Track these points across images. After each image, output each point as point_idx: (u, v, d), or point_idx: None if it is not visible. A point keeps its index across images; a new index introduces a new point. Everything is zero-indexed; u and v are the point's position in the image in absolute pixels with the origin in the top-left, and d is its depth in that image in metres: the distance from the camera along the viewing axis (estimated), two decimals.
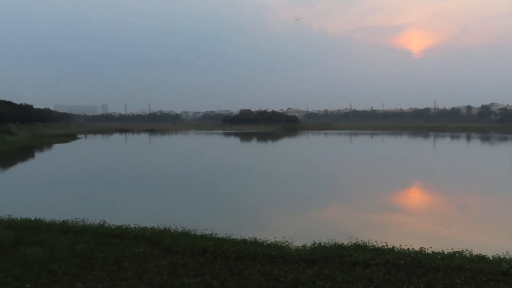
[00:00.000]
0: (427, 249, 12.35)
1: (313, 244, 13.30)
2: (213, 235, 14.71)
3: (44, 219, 16.89)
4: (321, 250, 12.32)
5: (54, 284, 9.45)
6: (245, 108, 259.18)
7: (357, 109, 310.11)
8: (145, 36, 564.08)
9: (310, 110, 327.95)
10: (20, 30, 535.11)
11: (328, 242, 13.48)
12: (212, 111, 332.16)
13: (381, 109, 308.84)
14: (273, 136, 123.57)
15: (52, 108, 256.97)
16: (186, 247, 12.45)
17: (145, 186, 34.05)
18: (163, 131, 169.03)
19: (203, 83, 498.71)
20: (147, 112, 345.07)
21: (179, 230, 15.53)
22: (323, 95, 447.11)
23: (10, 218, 16.93)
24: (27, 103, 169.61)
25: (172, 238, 13.63)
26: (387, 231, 19.47)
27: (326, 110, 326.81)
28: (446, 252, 12.13)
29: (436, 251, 12.22)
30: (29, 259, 11.13)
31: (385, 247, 12.73)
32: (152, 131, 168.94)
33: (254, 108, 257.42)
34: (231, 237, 14.37)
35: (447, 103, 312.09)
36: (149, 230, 15.21)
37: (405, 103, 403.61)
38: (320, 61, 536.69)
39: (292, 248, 12.95)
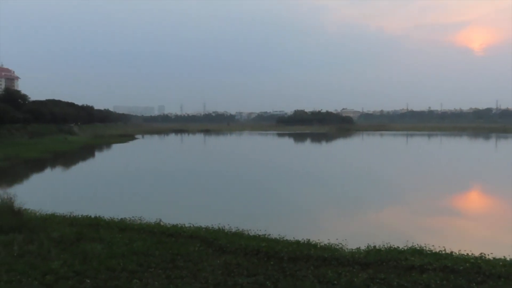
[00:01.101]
0: (488, 255, 11.90)
1: (368, 247, 13.12)
2: (266, 236, 14.76)
3: (103, 216, 17.47)
4: (375, 254, 12.13)
5: (112, 280, 9.77)
6: (299, 108, 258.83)
7: (414, 109, 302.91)
8: (201, 37, 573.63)
9: (365, 110, 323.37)
10: (82, 33, 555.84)
11: (383, 245, 13.25)
12: (266, 112, 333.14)
13: (439, 109, 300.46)
14: (327, 137, 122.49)
15: (111, 109, 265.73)
16: (239, 247, 12.57)
17: (200, 185, 34.58)
18: (217, 132, 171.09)
19: (258, 83, 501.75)
20: (202, 113, 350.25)
21: (233, 230, 15.68)
22: (379, 95, 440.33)
23: (72, 215, 17.63)
24: (88, 104, 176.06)
25: (226, 238, 13.79)
26: (445, 235, 18.89)
27: (381, 111, 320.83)
28: (508, 259, 11.65)
29: (498, 257, 11.75)
30: (89, 255, 11.56)
31: (443, 252, 12.37)
32: (207, 131, 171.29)
33: (308, 108, 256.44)
34: (284, 238, 14.38)
35: (510, 103, 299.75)
36: (204, 229, 15.45)
37: (465, 103, 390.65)
38: (376, 61, 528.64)
39: (346, 250, 12.82)
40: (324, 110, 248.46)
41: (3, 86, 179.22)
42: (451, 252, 12.39)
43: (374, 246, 13.10)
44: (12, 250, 11.83)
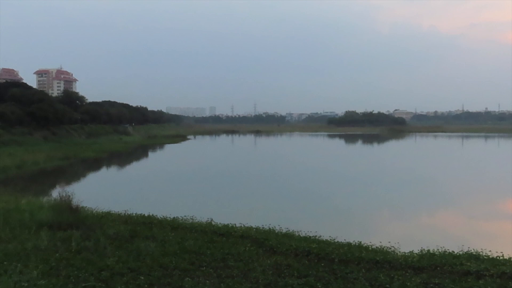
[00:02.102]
0: None
1: (421, 251, 12.80)
2: (317, 237, 14.66)
3: (156, 215, 17.83)
4: (429, 258, 11.82)
5: (165, 278, 9.95)
6: (350, 109, 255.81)
7: (470, 110, 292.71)
8: (252, 38, 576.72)
9: (418, 111, 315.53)
10: (136, 35, 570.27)
11: (437, 249, 12.90)
12: (316, 113, 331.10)
13: (496, 110, 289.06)
14: (379, 139, 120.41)
15: (164, 110, 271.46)
16: (290, 248, 12.54)
17: (250, 186, 34.77)
18: (268, 132, 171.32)
19: (308, 84, 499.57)
20: (253, 114, 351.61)
21: (283, 231, 15.67)
22: (433, 96, 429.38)
23: (126, 214, 18.07)
24: (142, 105, 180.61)
25: (276, 239, 13.79)
26: (503, 240, 18.16)
27: (435, 112, 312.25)
28: None
29: None
30: (143, 253, 11.83)
31: (501, 258, 11.90)
32: (257, 132, 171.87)
33: (360, 109, 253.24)
34: (335, 240, 14.24)
35: None
36: (254, 229, 15.50)
37: None
38: (429, 61, 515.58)
39: (399, 254, 12.56)
40: (375, 111, 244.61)
41: (62, 88, 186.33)
42: (510, 258, 11.89)
43: (428, 250, 12.77)
44: (70, 246, 12.26)
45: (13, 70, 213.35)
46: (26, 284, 6.29)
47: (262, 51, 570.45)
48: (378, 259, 11.52)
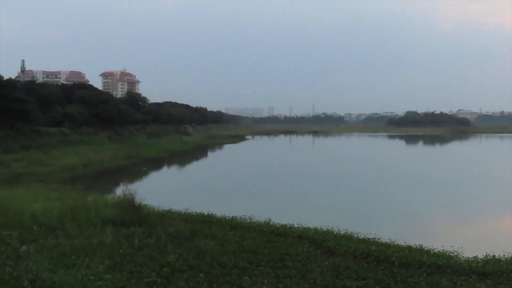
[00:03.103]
0: None
1: (486, 256, 12.34)
2: (376, 240, 14.42)
3: (215, 214, 18.10)
4: (495, 264, 11.39)
5: (224, 276, 10.11)
6: (411, 110, 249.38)
7: None
8: (310, 38, 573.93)
9: (483, 111, 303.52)
10: (196, 37, 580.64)
11: (503, 255, 12.39)
12: (376, 113, 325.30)
13: None
14: (441, 140, 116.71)
15: (223, 110, 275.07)
16: (348, 250, 12.42)
17: (308, 186, 34.61)
18: (326, 133, 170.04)
19: (368, 84, 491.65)
20: (311, 114, 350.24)
21: (342, 232, 15.52)
22: (499, 95, 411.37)
23: (186, 212, 18.46)
24: (201, 106, 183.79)
25: (334, 240, 13.70)
26: None
27: (502, 112, 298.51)
28: None
29: None
30: (202, 251, 12.07)
31: None
32: (315, 132, 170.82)
33: (421, 109, 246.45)
34: (395, 243, 13.95)
35: None
36: (312, 230, 15.45)
37: None
38: (495, 58, 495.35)
39: (462, 258, 12.15)
40: (438, 111, 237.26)
41: (125, 90, 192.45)
42: None
43: (493, 256, 12.29)
44: (133, 243, 12.68)
45: (80, 72, 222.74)
46: (92, 278, 6.58)
47: (321, 51, 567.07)
48: (440, 263, 11.21)
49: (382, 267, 10.93)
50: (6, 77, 64.02)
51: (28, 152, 51.60)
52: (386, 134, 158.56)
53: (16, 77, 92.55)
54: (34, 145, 57.36)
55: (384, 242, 14.13)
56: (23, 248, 9.43)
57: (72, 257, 10.71)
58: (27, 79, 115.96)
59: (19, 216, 16.02)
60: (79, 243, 12.56)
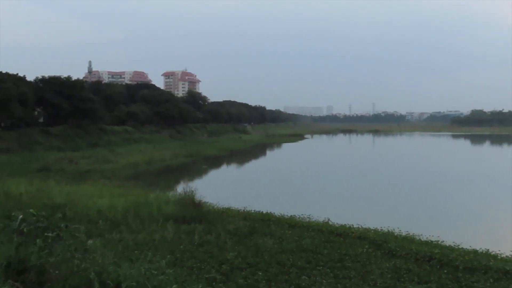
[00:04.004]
0: None
1: None
2: (439, 242, 13.98)
3: (274, 213, 18.13)
4: None
5: (282, 275, 10.11)
6: (477, 108, 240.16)
7: None
8: (369, 36, 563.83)
9: None
10: (254, 36, 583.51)
11: None
12: (439, 112, 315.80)
13: None
14: (510, 139, 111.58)
15: (282, 109, 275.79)
16: (410, 252, 12.11)
17: (367, 186, 34.04)
18: (386, 132, 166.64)
19: (429, 82, 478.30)
20: (371, 113, 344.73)
21: (403, 233, 15.15)
22: None
23: (245, 210, 18.61)
24: (260, 104, 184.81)
25: (395, 242, 13.40)
26: None
27: None
28: None
29: None
30: (261, 249, 12.13)
31: None
32: (375, 131, 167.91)
33: (487, 108, 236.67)
34: (460, 246, 13.46)
35: None
36: (372, 231, 15.18)
37: None
38: None
39: None
40: (506, 110, 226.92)
41: (186, 89, 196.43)
42: None
43: None
44: (193, 239, 12.92)
45: (143, 72, 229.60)
46: (155, 272, 6.76)
47: (381, 48, 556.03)
48: (508, 268, 10.73)
49: (445, 271, 10.58)
50: (74, 77, 67.00)
51: (94, 150, 53.87)
52: (450, 133, 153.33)
53: (83, 77, 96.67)
54: (100, 143, 59.77)
55: (447, 245, 13.67)
56: (90, 241, 9.82)
57: (135, 251, 11.07)
58: (93, 79, 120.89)
59: (86, 211, 16.73)
60: (142, 238, 12.95)
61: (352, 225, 15.82)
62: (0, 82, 49.63)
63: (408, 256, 11.85)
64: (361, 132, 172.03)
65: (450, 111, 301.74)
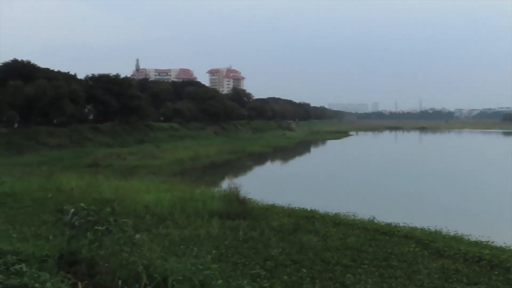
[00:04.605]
0: None
1: None
2: (489, 243, 13.59)
3: (318, 210, 18.06)
4: None
5: (327, 272, 10.07)
6: None
7: None
8: (416, 31, 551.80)
9: None
10: (297, 33, 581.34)
11: None
12: (489, 108, 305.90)
13: None
14: None
15: (326, 106, 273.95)
16: (458, 252, 11.83)
17: (414, 184, 33.37)
18: (434, 129, 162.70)
19: (480, 78, 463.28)
20: (418, 110, 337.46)
21: (451, 233, 14.82)
22: None
23: (289, 207, 18.61)
24: (304, 101, 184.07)
25: (443, 241, 13.12)
26: None
27: None
28: None
29: None
30: (305, 246, 12.12)
31: None
32: (422, 129, 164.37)
33: None
34: (511, 248, 13.04)
35: None
36: (419, 230, 14.89)
37: None
38: None
39: None
40: None
41: (231, 86, 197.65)
42: None
43: None
44: (238, 235, 13.05)
45: (188, 70, 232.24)
46: (201, 267, 6.87)
47: (429, 43, 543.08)
48: None
49: (496, 273, 10.27)
50: (122, 75, 68.68)
51: (141, 146, 55.08)
52: (501, 130, 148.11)
53: (131, 75, 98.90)
54: (147, 140, 61.04)
55: (498, 246, 13.27)
56: (138, 236, 10.05)
57: (181, 246, 11.28)
58: (141, 77, 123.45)
59: (134, 206, 17.15)
60: (187, 233, 13.16)
61: (398, 223, 15.58)
62: (53, 80, 51.49)
63: (457, 257, 11.58)
64: (408, 129, 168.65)
65: (502, 108, 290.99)
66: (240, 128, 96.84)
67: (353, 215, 17.30)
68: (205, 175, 37.66)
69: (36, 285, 5.44)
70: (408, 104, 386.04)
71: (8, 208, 17.51)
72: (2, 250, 6.60)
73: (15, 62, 55.61)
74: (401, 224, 15.48)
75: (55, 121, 56.30)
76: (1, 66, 56.23)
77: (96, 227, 7.47)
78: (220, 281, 6.56)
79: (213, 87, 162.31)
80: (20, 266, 5.90)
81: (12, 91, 47.97)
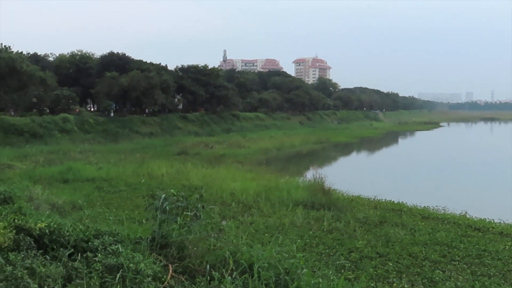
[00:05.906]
0: None
1: None
2: None
3: (406, 203, 17.53)
4: None
5: (414, 267, 9.79)
6: None
7: None
8: None
9: None
10: (384, 21, 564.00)
11: None
12: None
13: None
14: None
15: (416, 96, 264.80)
16: None
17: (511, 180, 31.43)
18: None
19: None
20: None
21: None
22: None
23: (375, 199, 18.24)
24: (392, 91, 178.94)
25: None
26: None
27: None
28: None
29: None
30: (392, 239, 11.84)
31: None
32: None
33: None
34: None
35: None
36: None
37: None
38: None
39: None
40: None
41: (317, 76, 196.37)
42: None
43: None
44: (322, 225, 13.01)
45: (274, 60, 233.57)
46: (286, 255, 6.92)
47: None
48: None
49: None
50: (210, 66, 70.33)
51: (228, 135, 56.23)
52: None
53: (218, 66, 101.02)
54: (233, 129, 62.27)
55: None
56: (224, 222, 10.34)
57: (266, 234, 11.44)
58: (228, 67, 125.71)
59: (220, 193, 17.62)
60: (272, 222, 13.32)
61: (493, 219, 14.76)
62: (145, 72, 53.86)
63: None
64: (505, 120, 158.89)
65: None
66: (326, 118, 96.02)
67: (443, 209, 16.63)
68: (290, 165, 37.78)
69: (131, 265, 5.74)
70: (505, 93, 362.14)
71: (105, 192, 18.65)
72: (101, 231, 7.01)
73: (111, 54, 58.85)
74: (496, 221, 14.66)
75: (147, 111, 58.91)
76: (99, 58, 59.75)
77: (185, 213, 7.75)
78: (305, 270, 6.56)
79: (299, 77, 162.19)
80: (116, 246, 6.24)
81: (108, 82, 50.97)
